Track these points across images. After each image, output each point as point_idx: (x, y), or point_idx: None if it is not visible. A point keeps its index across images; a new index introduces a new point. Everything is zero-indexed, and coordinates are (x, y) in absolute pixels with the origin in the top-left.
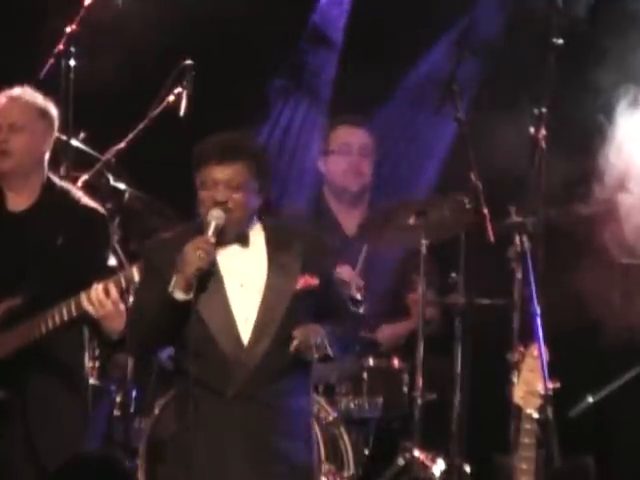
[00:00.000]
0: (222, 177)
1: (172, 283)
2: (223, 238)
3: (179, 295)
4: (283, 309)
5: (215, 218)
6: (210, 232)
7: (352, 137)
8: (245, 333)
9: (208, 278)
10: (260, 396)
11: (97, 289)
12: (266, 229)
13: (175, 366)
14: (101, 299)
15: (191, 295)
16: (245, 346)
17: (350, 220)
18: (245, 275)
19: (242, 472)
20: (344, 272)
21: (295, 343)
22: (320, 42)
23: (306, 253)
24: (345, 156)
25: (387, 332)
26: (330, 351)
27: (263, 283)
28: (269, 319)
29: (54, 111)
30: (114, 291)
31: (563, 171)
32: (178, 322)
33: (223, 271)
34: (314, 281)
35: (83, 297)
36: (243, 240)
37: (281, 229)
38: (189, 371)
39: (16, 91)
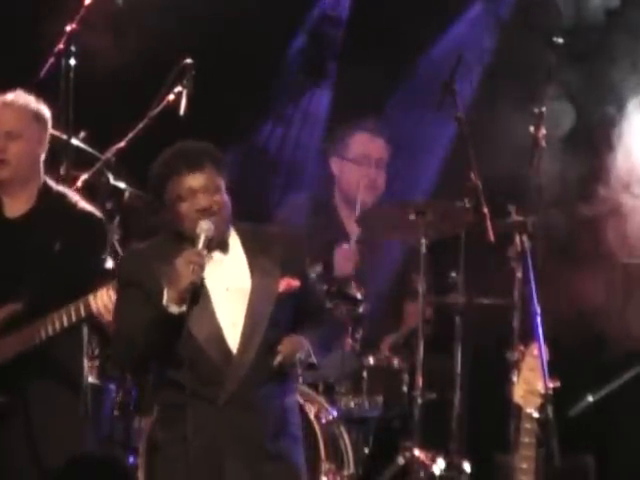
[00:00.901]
0: (198, 184)
1: (165, 297)
2: (211, 248)
3: (174, 309)
4: (269, 313)
5: (205, 230)
6: (201, 245)
7: (371, 149)
8: (233, 340)
9: (199, 290)
10: (251, 401)
11: (103, 293)
12: (240, 233)
13: (161, 376)
14: (107, 304)
15: (184, 308)
16: (234, 354)
17: (354, 222)
18: (229, 280)
19: (238, 475)
20: (342, 252)
21: (279, 359)
22: (322, 35)
23: (284, 256)
24: (362, 167)
25: (389, 341)
26: (314, 360)
27: (248, 287)
28: (256, 323)
29: (47, 113)
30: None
31: (569, 170)
32: (172, 335)
33: (207, 279)
34: (295, 283)
35: (91, 300)
36: (223, 246)
37: (256, 233)
38: (182, 382)
39: (9, 97)
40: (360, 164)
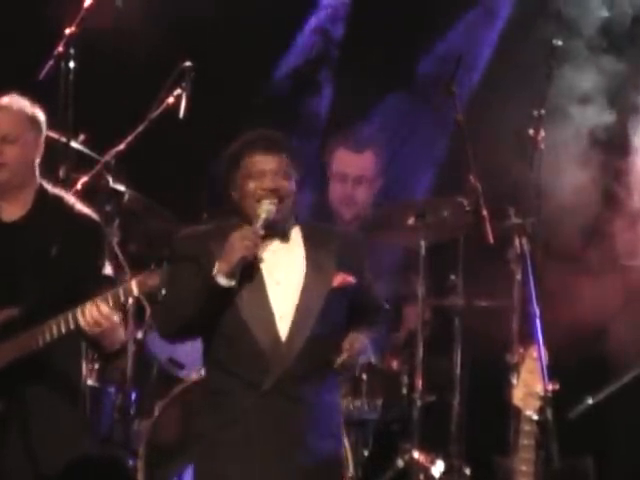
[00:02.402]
0: (270, 166)
1: (215, 268)
2: (269, 232)
3: (222, 280)
4: (319, 308)
5: (266, 211)
6: (259, 224)
7: (348, 166)
8: (283, 329)
9: (251, 270)
10: (295, 392)
11: (92, 308)
12: (303, 229)
13: (209, 361)
14: (95, 316)
15: (233, 283)
16: (283, 342)
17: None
18: (283, 272)
19: (272, 467)
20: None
21: (344, 356)
22: (322, 36)
23: (341, 252)
24: (340, 184)
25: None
26: (373, 359)
27: (301, 282)
28: (305, 318)
29: (42, 116)
30: (105, 308)
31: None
32: (215, 309)
33: (263, 266)
34: (350, 279)
35: (79, 314)
36: (284, 236)
37: (318, 228)
38: (227, 365)
39: (4, 100)
40: (338, 181)
